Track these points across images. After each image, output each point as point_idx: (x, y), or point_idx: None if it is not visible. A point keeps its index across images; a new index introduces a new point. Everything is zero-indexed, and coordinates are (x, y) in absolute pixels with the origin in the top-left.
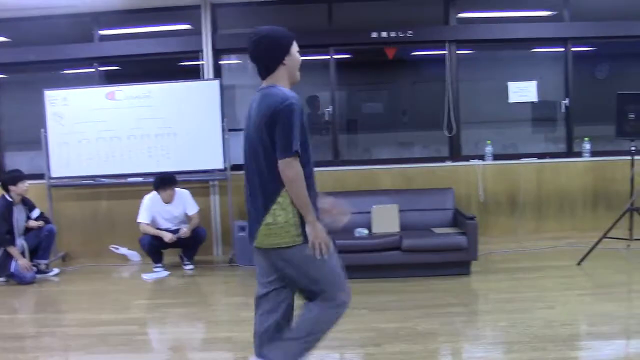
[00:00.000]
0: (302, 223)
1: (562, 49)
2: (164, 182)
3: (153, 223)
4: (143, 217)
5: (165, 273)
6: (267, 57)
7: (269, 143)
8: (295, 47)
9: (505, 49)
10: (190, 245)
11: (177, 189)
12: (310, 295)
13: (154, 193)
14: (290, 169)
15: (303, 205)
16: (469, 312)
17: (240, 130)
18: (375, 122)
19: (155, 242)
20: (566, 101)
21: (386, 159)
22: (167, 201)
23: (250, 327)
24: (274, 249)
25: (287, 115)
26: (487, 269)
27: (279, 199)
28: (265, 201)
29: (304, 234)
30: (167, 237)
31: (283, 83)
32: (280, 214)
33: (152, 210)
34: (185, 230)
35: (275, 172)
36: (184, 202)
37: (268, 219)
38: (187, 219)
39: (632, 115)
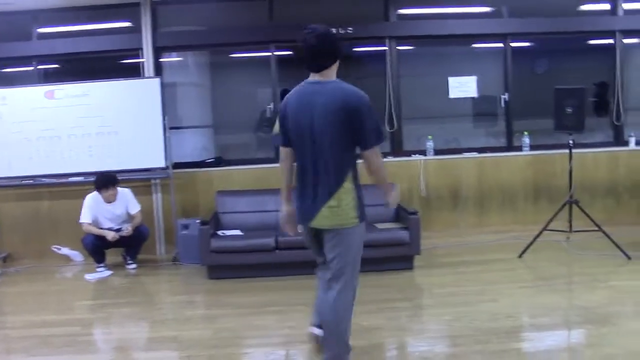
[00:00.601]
0: (360, 207)
1: (502, 45)
2: (105, 182)
3: (95, 223)
4: (85, 217)
5: (108, 273)
6: (328, 53)
7: (343, 133)
8: None
9: (445, 45)
10: (133, 244)
11: (118, 188)
12: (332, 280)
13: (95, 192)
14: (377, 156)
15: (385, 183)
16: (414, 306)
17: (180, 128)
18: None
19: (97, 242)
20: (506, 96)
21: None
22: (109, 201)
23: (195, 325)
24: (334, 229)
25: (369, 109)
26: (430, 264)
27: (344, 184)
28: (331, 186)
29: (360, 216)
30: (110, 235)
31: (334, 77)
32: (343, 197)
33: (94, 210)
34: (128, 229)
35: (343, 160)
36: (126, 201)
37: (332, 202)
38: (129, 218)
39: (569, 110)
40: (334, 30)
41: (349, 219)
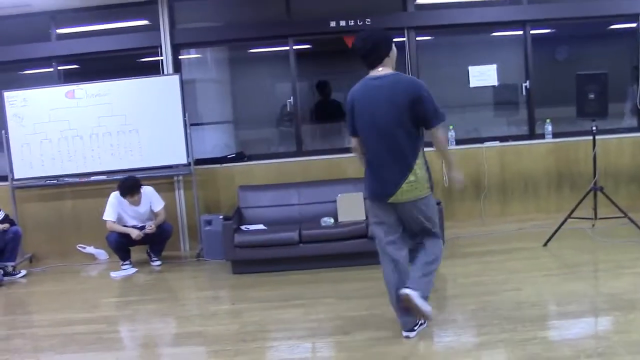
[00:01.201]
0: (430, 178)
1: (521, 32)
2: (130, 188)
3: (119, 221)
4: (109, 215)
5: (133, 270)
6: (374, 52)
7: (409, 118)
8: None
9: (464, 34)
10: (157, 242)
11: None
12: (424, 235)
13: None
14: (443, 131)
15: (450, 156)
16: (438, 296)
17: (201, 124)
18: (338, 112)
19: (122, 240)
20: (527, 84)
21: (350, 148)
22: (135, 205)
23: (220, 320)
24: (412, 201)
25: (428, 94)
26: (454, 254)
27: (418, 161)
28: (408, 164)
29: (431, 186)
30: (134, 234)
31: (390, 69)
32: (418, 172)
33: (117, 208)
34: (151, 226)
35: (413, 140)
36: (150, 199)
37: (410, 177)
38: (153, 215)
39: (592, 96)
40: (380, 31)
41: (425, 190)
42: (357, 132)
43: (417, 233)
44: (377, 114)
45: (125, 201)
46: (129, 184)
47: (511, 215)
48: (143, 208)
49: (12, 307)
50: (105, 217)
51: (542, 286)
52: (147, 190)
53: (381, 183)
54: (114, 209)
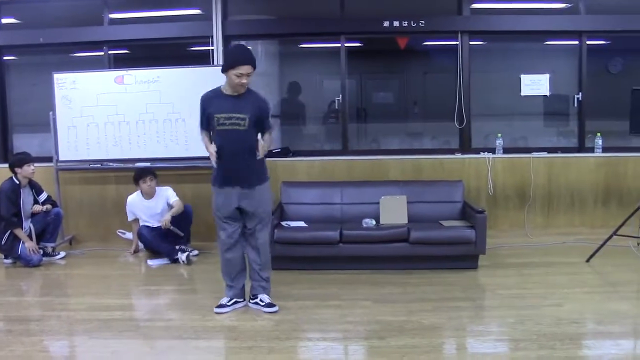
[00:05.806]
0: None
1: (577, 42)
2: (141, 173)
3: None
4: (130, 217)
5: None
6: None
7: None
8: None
9: (518, 41)
10: (181, 228)
11: (158, 187)
12: None
13: (136, 193)
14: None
15: None
16: (476, 307)
17: None
18: (385, 112)
19: (152, 235)
20: (579, 95)
21: (395, 150)
22: (149, 194)
23: (256, 315)
24: None
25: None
26: (495, 264)
27: None
28: None
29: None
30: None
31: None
32: None
33: (134, 209)
34: (167, 218)
35: None
36: (165, 197)
37: None
38: (169, 208)
39: None
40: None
41: None
42: None
43: None
44: None
45: (139, 200)
46: (142, 169)
47: (555, 228)
48: (158, 207)
49: (49, 289)
50: (129, 220)
51: (584, 303)
52: (163, 190)
53: None
54: (129, 210)
